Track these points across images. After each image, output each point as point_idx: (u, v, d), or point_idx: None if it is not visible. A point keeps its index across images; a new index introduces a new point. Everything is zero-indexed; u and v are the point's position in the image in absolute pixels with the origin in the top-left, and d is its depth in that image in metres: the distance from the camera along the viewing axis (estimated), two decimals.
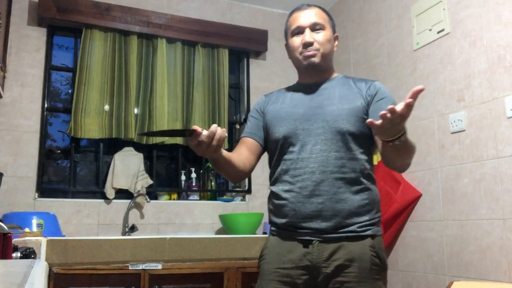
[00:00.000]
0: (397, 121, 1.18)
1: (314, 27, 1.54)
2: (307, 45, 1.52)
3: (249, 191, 3.33)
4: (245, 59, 3.53)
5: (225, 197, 3.30)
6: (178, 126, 3.15)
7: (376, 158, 2.87)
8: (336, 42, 1.62)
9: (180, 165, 3.26)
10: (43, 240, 2.09)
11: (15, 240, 1.76)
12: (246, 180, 3.35)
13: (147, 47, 3.19)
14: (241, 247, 2.45)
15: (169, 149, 3.30)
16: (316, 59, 1.53)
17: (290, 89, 1.66)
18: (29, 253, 1.69)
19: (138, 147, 3.09)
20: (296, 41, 1.55)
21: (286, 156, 1.51)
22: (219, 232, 3.16)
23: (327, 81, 1.59)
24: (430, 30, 2.57)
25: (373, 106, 1.50)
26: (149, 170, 3.17)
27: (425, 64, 2.60)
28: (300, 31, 1.54)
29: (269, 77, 3.53)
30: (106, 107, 2.98)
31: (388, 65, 2.90)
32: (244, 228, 2.86)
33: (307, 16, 1.55)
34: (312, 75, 1.59)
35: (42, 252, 2.05)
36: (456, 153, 2.36)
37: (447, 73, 2.45)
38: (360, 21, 3.21)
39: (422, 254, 2.52)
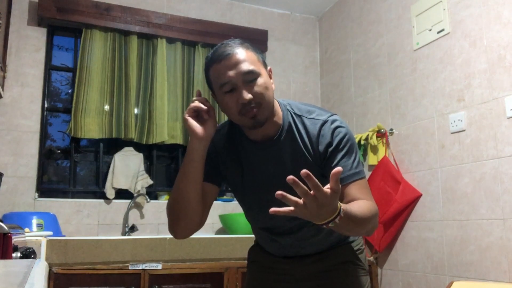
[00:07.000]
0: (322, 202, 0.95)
1: (248, 79, 1.25)
2: (246, 104, 1.24)
3: None
4: None
5: (225, 197, 3.30)
6: (178, 126, 3.16)
7: (376, 158, 2.87)
8: (272, 79, 1.37)
9: (180, 165, 3.25)
10: (43, 240, 2.09)
11: (15, 240, 1.76)
12: None
13: (147, 47, 3.20)
14: (241, 247, 2.45)
15: (169, 149, 3.30)
16: (261, 117, 1.27)
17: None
18: (29, 253, 1.69)
19: (138, 147, 3.09)
20: (230, 101, 1.26)
21: None
22: (219, 232, 3.16)
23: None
24: (430, 30, 2.57)
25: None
26: (149, 170, 3.17)
27: (425, 64, 2.60)
28: (232, 88, 1.25)
29: None
30: (106, 107, 2.98)
31: (388, 65, 2.90)
32: (244, 228, 2.86)
33: (236, 66, 1.26)
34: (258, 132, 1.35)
35: (42, 252, 2.05)
36: (456, 153, 2.36)
37: (447, 73, 2.45)
38: (360, 21, 3.21)
39: (422, 254, 2.52)
